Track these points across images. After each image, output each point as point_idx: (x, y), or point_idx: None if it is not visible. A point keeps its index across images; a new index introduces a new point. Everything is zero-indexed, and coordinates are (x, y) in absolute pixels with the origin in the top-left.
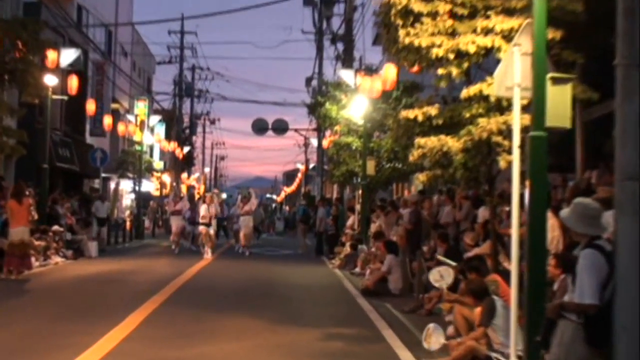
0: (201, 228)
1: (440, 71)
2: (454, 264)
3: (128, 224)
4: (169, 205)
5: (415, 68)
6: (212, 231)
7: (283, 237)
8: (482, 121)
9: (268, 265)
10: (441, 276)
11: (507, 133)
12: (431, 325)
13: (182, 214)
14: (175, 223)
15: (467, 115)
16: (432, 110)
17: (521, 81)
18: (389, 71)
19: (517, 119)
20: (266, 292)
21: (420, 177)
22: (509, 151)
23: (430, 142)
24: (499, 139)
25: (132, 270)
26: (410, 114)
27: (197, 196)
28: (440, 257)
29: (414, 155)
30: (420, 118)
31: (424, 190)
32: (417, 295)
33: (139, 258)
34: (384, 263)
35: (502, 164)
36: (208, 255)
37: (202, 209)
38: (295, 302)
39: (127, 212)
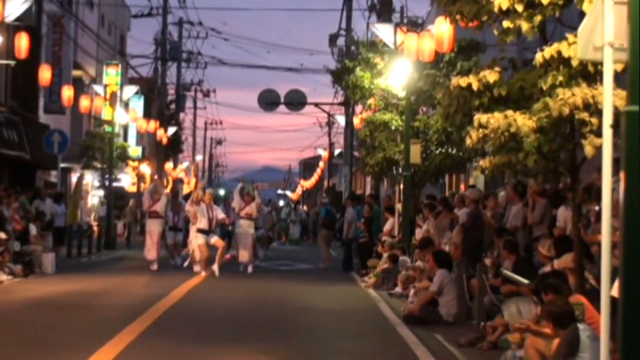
0: (200, 239)
1: (506, 24)
2: (525, 281)
3: (95, 230)
4: (144, 204)
5: (473, 22)
6: (213, 241)
7: (299, 246)
8: (561, 92)
9: (280, 285)
10: (519, 312)
11: (595, 108)
12: None
13: (162, 217)
14: (154, 229)
15: (543, 85)
16: (491, 76)
17: (614, 39)
18: (442, 27)
19: (608, 90)
20: (277, 321)
21: (482, 163)
22: (598, 132)
23: (494, 119)
24: (584, 115)
25: (100, 292)
26: (463, 81)
27: (184, 192)
28: (507, 273)
29: (472, 137)
30: (476, 86)
31: (486, 184)
32: (476, 323)
33: (110, 275)
34: (434, 281)
35: (587, 149)
36: (201, 270)
37: (201, 212)
38: (316, 333)
39: (93, 215)
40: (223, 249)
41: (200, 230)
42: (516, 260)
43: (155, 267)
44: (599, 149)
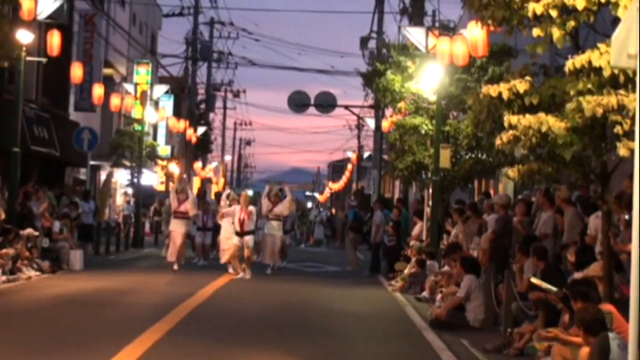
0: (234, 241)
1: (536, 32)
2: (554, 289)
3: (122, 228)
4: (172, 203)
5: (504, 27)
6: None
7: (322, 247)
8: (592, 99)
9: (306, 287)
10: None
11: (628, 112)
12: None
13: (188, 217)
14: (179, 230)
15: (572, 92)
16: (521, 86)
17: None
18: (476, 31)
19: None
20: (303, 322)
21: (510, 173)
22: (632, 135)
23: (525, 120)
24: (618, 117)
25: (127, 290)
26: (493, 90)
27: (213, 192)
28: (536, 280)
29: (502, 139)
30: (506, 95)
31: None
32: (504, 329)
33: (137, 273)
34: (461, 286)
35: (622, 151)
36: (247, 275)
37: (236, 213)
38: (342, 336)
39: (119, 213)
40: (250, 250)
41: (240, 232)
42: (545, 268)
43: (176, 267)
44: (632, 152)
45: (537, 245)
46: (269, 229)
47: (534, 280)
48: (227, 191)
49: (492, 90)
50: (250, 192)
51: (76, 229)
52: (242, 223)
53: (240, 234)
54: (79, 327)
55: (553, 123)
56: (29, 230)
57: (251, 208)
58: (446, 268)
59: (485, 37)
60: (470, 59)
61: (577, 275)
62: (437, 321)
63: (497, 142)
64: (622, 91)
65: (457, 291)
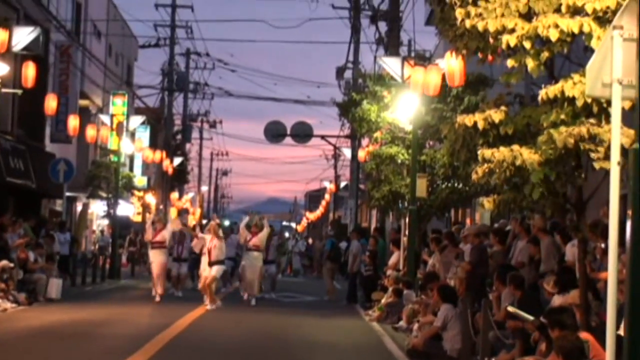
0: (215, 269)
1: (511, 63)
2: (530, 318)
3: (100, 259)
4: (147, 234)
5: (479, 57)
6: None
7: (303, 278)
8: (565, 129)
9: (284, 317)
10: None
11: (600, 141)
12: None
13: (165, 247)
14: (157, 260)
15: (544, 122)
16: (496, 116)
17: (623, 76)
18: (452, 62)
19: (616, 127)
20: (281, 354)
21: (486, 204)
22: (606, 158)
23: (499, 153)
24: (591, 146)
25: (104, 321)
26: (469, 120)
27: (190, 223)
28: (512, 309)
29: (477, 172)
30: (481, 125)
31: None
32: (481, 358)
33: (113, 304)
34: (438, 315)
35: (596, 165)
36: (210, 305)
37: (206, 242)
38: None
39: (95, 244)
40: (213, 280)
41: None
42: (522, 296)
43: (158, 299)
44: (607, 173)
45: (514, 274)
46: (248, 259)
47: (511, 309)
48: (216, 220)
49: (468, 119)
50: (226, 222)
51: (54, 260)
52: (209, 252)
53: (209, 263)
54: None
55: (527, 156)
56: (4, 262)
57: (219, 238)
58: (423, 297)
59: (462, 67)
60: (443, 89)
61: (557, 301)
62: (414, 351)
63: (474, 176)
64: (592, 120)
65: (434, 320)
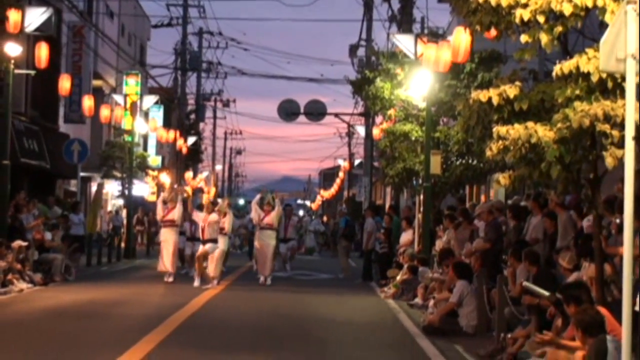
0: (208, 246)
1: (524, 38)
2: (546, 293)
3: (116, 239)
4: (157, 212)
5: (493, 33)
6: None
7: (318, 256)
8: (580, 105)
9: (299, 295)
10: None
11: (615, 121)
12: None
13: (176, 226)
14: (168, 238)
15: (559, 98)
16: (511, 91)
17: (637, 51)
18: (461, 37)
19: (631, 101)
20: (296, 331)
21: (501, 180)
22: (619, 144)
23: (514, 130)
24: (605, 127)
25: (119, 301)
26: (483, 95)
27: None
28: (528, 284)
29: (492, 149)
30: (496, 101)
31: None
32: (497, 334)
33: (129, 284)
34: (453, 292)
35: (608, 161)
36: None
37: (200, 219)
38: (335, 344)
39: (109, 224)
40: (213, 258)
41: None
42: (537, 272)
43: (170, 279)
44: (620, 160)
45: (529, 250)
46: (262, 238)
47: (526, 285)
48: (227, 201)
49: (482, 95)
50: (241, 201)
51: (68, 241)
52: (202, 230)
53: (202, 241)
54: (71, 339)
55: (542, 134)
56: (18, 242)
57: (214, 216)
58: (438, 274)
59: (469, 43)
60: (456, 66)
61: (573, 277)
62: (430, 327)
63: (488, 152)
64: (608, 101)
65: (449, 297)
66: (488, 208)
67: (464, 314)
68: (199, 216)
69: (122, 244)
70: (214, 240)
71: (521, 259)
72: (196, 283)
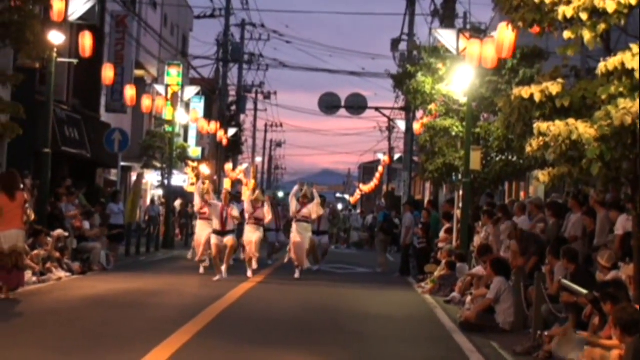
0: (213, 239)
1: (567, 35)
2: (584, 291)
3: (152, 230)
4: (195, 204)
5: (536, 29)
6: (225, 241)
7: (353, 249)
8: (623, 102)
9: (336, 288)
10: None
11: None
12: None
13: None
14: (204, 232)
15: (604, 96)
16: (554, 88)
17: None
18: (505, 33)
19: None
20: (332, 325)
21: (541, 177)
22: None
23: (555, 127)
24: None
25: (157, 291)
26: (525, 92)
27: (244, 193)
28: (565, 282)
29: (532, 145)
30: (538, 97)
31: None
32: (533, 332)
33: (166, 275)
34: (491, 288)
35: None
36: (223, 275)
37: (215, 211)
38: (371, 338)
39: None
40: (232, 249)
41: (214, 232)
42: (575, 270)
43: (202, 270)
44: None
45: (567, 248)
46: (298, 230)
47: (564, 282)
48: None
49: (524, 92)
50: (280, 194)
51: (106, 230)
52: (224, 221)
53: (221, 232)
54: (108, 328)
55: (583, 131)
56: (59, 231)
57: (234, 206)
58: (477, 270)
59: (513, 39)
60: (498, 62)
61: (611, 275)
62: (466, 323)
63: (528, 148)
64: None
65: (486, 293)
66: (539, 204)
67: (501, 311)
68: (217, 205)
69: (161, 235)
70: (234, 232)
71: (560, 257)
72: (217, 277)
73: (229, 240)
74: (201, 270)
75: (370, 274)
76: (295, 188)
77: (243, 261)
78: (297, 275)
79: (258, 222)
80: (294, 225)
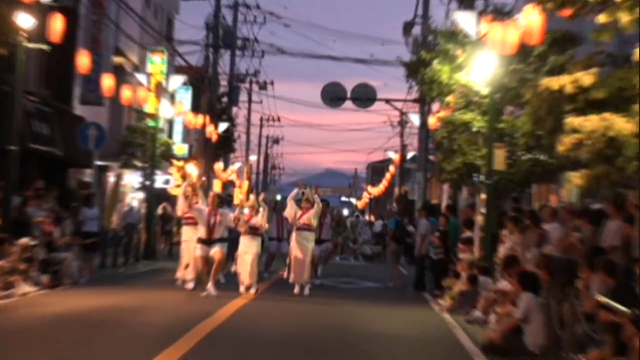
0: (198, 251)
1: (602, 18)
2: (624, 309)
3: (133, 238)
4: (179, 208)
5: (566, 12)
6: (212, 253)
7: (361, 261)
8: None
9: (341, 306)
10: None
11: None
12: None
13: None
14: (190, 239)
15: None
16: (587, 78)
17: None
18: (530, 16)
19: None
20: (338, 347)
21: (574, 179)
22: None
23: (589, 122)
24: None
25: (136, 308)
26: (555, 82)
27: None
28: (604, 299)
29: (564, 143)
30: (569, 89)
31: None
32: (566, 355)
33: (147, 289)
34: (518, 305)
35: None
36: (212, 291)
37: (200, 217)
38: None
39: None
40: (219, 264)
41: (199, 240)
42: (615, 285)
43: (191, 285)
44: None
45: (606, 259)
46: (298, 241)
47: (602, 299)
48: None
49: (554, 82)
50: (278, 197)
51: (79, 238)
52: (210, 229)
53: (207, 241)
54: (82, 350)
55: (621, 126)
56: (25, 240)
57: (223, 211)
58: (502, 284)
59: (542, 22)
60: (524, 48)
61: None
62: (490, 346)
63: (560, 147)
64: None
65: (513, 311)
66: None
67: (530, 331)
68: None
69: (141, 244)
70: (223, 240)
71: (596, 270)
72: (190, 285)
73: (216, 252)
74: (189, 285)
75: (381, 289)
76: (295, 191)
77: (234, 275)
78: (296, 290)
79: (255, 231)
80: (294, 235)
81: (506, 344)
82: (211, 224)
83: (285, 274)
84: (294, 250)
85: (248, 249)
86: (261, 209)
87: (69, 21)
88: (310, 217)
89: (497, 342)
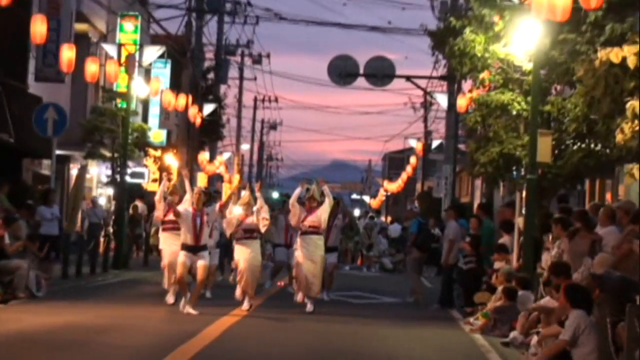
0: (181, 257)
1: None
2: None
3: (101, 242)
4: (156, 211)
5: None
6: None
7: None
8: None
9: (352, 325)
10: None
11: None
12: None
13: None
14: (171, 247)
15: None
16: None
17: None
18: None
19: None
20: None
21: (636, 172)
22: None
23: None
24: None
25: (105, 326)
26: (614, 55)
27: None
28: None
29: (624, 131)
30: (632, 62)
31: None
32: None
33: (119, 304)
34: (566, 325)
35: None
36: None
37: (185, 219)
38: None
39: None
40: (202, 282)
41: (184, 247)
42: None
43: (171, 300)
44: None
45: None
46: (304, 246)
47: None
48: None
49: (613, 55)
50: (275, 195)
51: (36, 243)
52: (197, 233)
53: (192, 248)
54: None
55: None
56: None
57: (211, 210)
58: (546, 300)
59: None
60: (576, 13)
61: None
62: None
63: (618, 136)
64: None
65: (560, 332)
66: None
67: (580, 356)
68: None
69: (110, 250)
70: (204, 248)
71: None
72: (170, 299)
73: (201, 267)
74: (169, 298)
75: (399, 305)
76: (298, 190)
77: (232, 285)
78: (309, 308)
79: (250, 234)
80: (299, 240)
81: None
82: (197, 227)
83: (283, 283)
84: (300, 260)
85: (242, 257)
86: (258, 203)
87: None
88: (319, 217)
89: None
